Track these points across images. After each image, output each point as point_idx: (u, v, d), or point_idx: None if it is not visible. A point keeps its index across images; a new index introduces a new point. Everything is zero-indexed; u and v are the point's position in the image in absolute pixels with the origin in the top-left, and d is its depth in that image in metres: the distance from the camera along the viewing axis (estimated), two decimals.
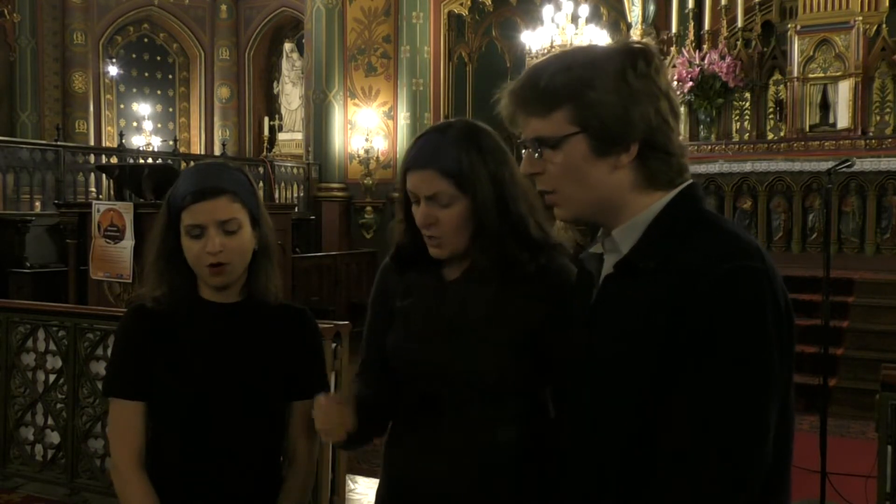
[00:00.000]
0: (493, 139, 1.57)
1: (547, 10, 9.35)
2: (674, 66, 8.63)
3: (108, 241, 6.14)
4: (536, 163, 1.25)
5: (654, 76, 1.21)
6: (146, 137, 16.20)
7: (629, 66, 1.20)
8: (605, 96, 1.19)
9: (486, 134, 1.57)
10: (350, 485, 3.93)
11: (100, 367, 3.83)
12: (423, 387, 1.60)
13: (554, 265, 1.57)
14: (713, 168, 8.30)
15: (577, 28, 9.24)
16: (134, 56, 16.80)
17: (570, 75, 1.21)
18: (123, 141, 11.39)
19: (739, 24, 8.69)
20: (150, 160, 10.87)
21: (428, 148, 1.54)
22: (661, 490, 1.11)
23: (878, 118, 8.06)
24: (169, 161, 10.08)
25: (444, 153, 1.52)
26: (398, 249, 1.65)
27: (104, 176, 8.98)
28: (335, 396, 1.59)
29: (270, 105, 17.33)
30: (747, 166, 8.26)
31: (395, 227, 1.65)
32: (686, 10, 9.03)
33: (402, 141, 11.41)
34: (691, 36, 8.92)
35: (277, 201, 10.91)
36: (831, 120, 8.17)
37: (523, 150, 1.27)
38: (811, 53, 8.14)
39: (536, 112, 1.23)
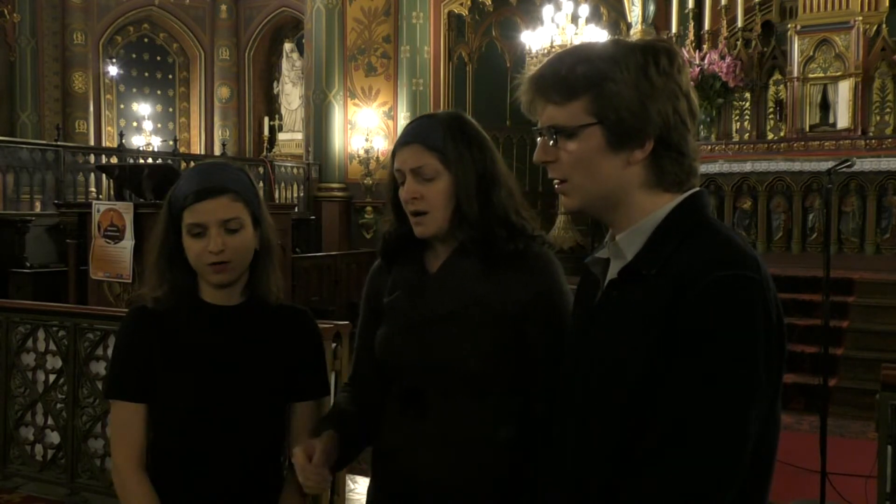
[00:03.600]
0: (476, 128, 1.65)
1: (547, 10, 9.35)
2: None
3: (108, 241, 6.13)
4: (550, 150, 1.24)
5: (675, 75, 1.21)
6: (146, 137, 16.21)
7: (652, 62, 1.19)
8: (625, 90, 1.18)
9: (471, 123, 1.65)
10: (350, 485, 3.93)
11: (100, 367, 3.82)
12: (408, 381, 1.61)
13: (532, 251, 1.59)
14: (713, 168, 8.30)
15: (577, 28, 9.24)
16: (134, 56, 16.81)
17: (592, 66, 1.20)
18: (123, 141, 11.39)
19: (739, 24, 8.68)
20: (150, 160, 10.87)
21: (415, 129, 1.62)
22: (638, 488, 1.12)
23: (878, 118, 8.05)
24: (169, 161, 10.06)
25: (431, 131, 1.60)
26: (385, 239, 1.70)
27: (104, 176, 8.98)
28: (309, 452, 1.53)
29: (270, 105, 17.33)
30: (747, 166, 8.26)
31: (384, 222, 1.71)
32: (686, 10, 9.03)
33: None
34: (691, 36, 8.92)
35: (277, 201, 10.91)
36: (831, 120, 8.17)
37: (538, 138, 1.26)
38: (811, 53, 8.14)
39: (555, 100, 1.23)
